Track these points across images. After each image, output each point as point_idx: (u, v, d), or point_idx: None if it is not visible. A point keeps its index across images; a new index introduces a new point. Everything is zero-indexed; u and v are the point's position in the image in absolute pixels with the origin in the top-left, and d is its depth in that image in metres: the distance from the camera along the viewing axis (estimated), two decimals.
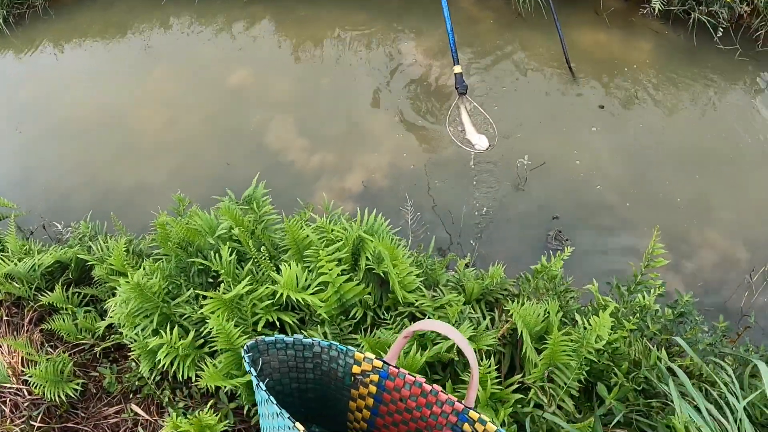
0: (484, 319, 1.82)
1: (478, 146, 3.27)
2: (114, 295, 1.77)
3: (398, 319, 1.75)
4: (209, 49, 4.32)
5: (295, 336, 1.26)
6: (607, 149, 3.36)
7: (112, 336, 1.77)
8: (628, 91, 3.66)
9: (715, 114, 3.60)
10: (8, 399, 1.76)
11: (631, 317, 1.79)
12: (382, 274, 1.76)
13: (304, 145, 3.51)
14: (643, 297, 1.87)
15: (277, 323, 1.71)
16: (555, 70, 3.76)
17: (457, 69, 3.35)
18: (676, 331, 1.99)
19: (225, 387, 1.57)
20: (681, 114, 3.59)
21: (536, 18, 3.97)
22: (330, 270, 1.63)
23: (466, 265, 2.09)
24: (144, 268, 1.74)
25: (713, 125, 3.53)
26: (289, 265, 1.66)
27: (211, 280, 1.84)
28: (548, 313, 1.72)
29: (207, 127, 3.71)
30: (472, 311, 1.85)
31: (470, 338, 1.67)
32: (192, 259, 1.81)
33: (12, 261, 2.00)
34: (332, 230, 1.78)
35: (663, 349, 1.79)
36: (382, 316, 1.79)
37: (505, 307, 1.81)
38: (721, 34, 3.89)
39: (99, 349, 1.79)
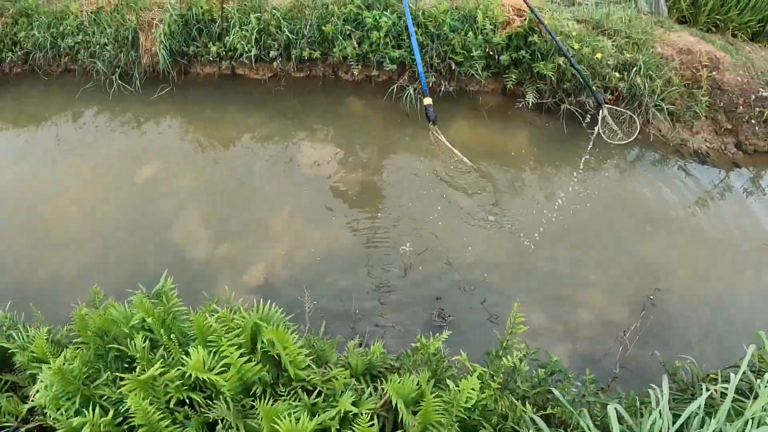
0: (368, 388, 2.14)
1: (465, 160, 3.69)
2: (35, 380, 1.98)
3: (292, 392, 2.05)
4: (120, 142, 4.59)
5: None
6: (492, 234, 3.92)
7: (36, 418, 1.95)
8: (510, 178, 4.35)
9: (589, 192, 4.33)
10: None
11: (496, 378, 2.16)
12: (276, 356, 2.08)
13: (210, 238, 3.79)
14: (508, 359, 2.25)
15: (187, 400, 1.98)
16: (441, 163, 4.40)
17: (427, 101, 3.77)
18: (554, 386, 2.36)
19: None
20: (557, 194, 4.27)
21: (421, 117, 4.67)
22: (231, 354, 1.93)
23: (360, 344, 2.46)
24: (65, 356, 1.98)
25: (589, 202, 4.22)
26: (197, 349, 1.95)
27: (126, 365, 2.08)
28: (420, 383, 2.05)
29: (118, 220, 3.91)
30: (357, 383, 2.17)
31: (353, 403, 1.97)
32: (110, 346, 2.06)
33: None
34: (232, 319, 2.12)
35: (528, 402, 2.17)
36: (279, 391, 2.07)
37: (385, 380, 2.13)
38: (589, 120, 4.73)
39: (23, 430, 1.96)
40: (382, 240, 3.81)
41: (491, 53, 4.51)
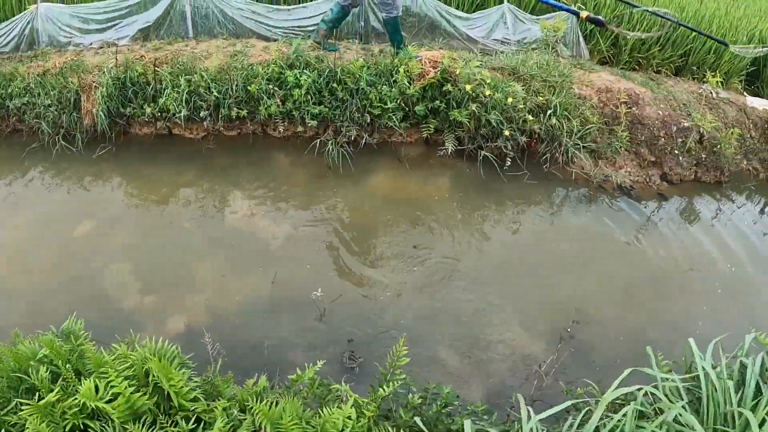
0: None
1: None
2: None
3: (176, 419, 2.20)
4: (61, 200, 4.72)
5: None
6: (411, 277, 4.01)
7: None
8: (430, 223, 4.47)
9: (511, 232, 4.45)
10: None
11: (370, 407, 2.26)
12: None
13: (139, 289, 3.88)
14: (384, 389, 2.35)
15: (82, 426, 2.12)
16: (362, 214, 4.53)
17: (584, 14, 4.00)
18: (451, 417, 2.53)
19: None
20: (477, 236, 4.39)
21: (344, 170, 4.81)
22: (119, 384, 2.10)
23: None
24: None
25: (511, 242, 4.33)
26: (89, 380, 2.11)
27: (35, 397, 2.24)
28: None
29: (53, 272, 4.01)
30: (241, 414, 2.27)
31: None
32: (20, 376, 2.24)
33: None
34: (128, 355, 2.29)
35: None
36: (160, 420, 2.20)
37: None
38: (509, 163, 4.86)
39: None
40: (300, 287, 3.90)
41: (407, 105, 4.68)
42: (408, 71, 4.64)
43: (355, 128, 4.82)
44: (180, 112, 4.95)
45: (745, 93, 6.50)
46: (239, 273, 4.04)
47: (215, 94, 4.89)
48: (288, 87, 4.79)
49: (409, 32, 5.51)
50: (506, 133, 4.63)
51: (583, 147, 5.11)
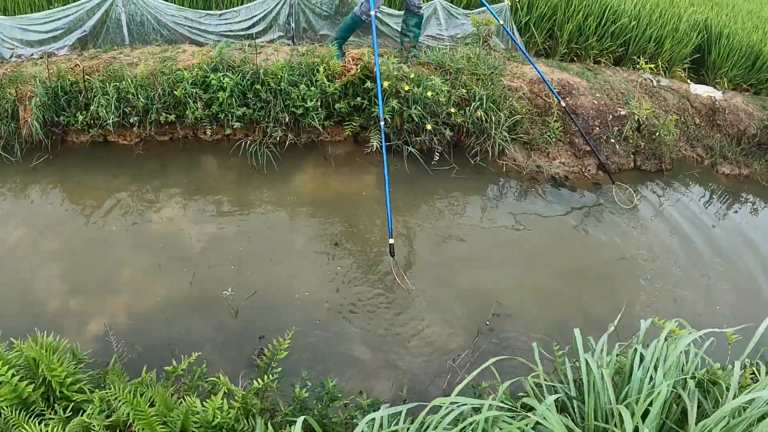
0: None
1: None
2: None
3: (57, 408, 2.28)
4: None
5: None
6: (325, 277, 3.99)
7: None
8: (351, 223, 4.44)
9: (436, 225, 4.41)
10: None
11: (238, 400, 2.31)
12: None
13: (65, 292, 3.87)
14: (258, 382, 2.42)
15: None
16: (285, 213, 4.51)
17: (391, 241, 3.91)
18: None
19: None
20: (399, 234, 4.34)
21: (270, 171, 4.80)
22: (5, 372, 2.19)
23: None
24: None
25: (431, 240, 4.29)
26: None
27: None
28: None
29: None
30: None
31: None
32: None
33: None
34: (21, 348, 2.38)
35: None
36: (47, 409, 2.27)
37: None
38: (437, 158, 4.83)
39: None
40: (218, 287, 3.87)
41: (328, 103, 4.67)
42: (329, 70, 4.63)
43: (281, 129, 4.81)
44: (109, 119, 4.96)
45: (689, 81, 6.45)
46: (162, 274, 4.03)
47: (142, 100, 4.90)
48: (213, 90, 4.79)
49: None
50: (428, 127, 4.60)
51: (515, 139, 5.09)
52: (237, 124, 4.77)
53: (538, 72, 4.86)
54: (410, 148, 4.78)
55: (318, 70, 4.58)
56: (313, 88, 4.57)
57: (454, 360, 3.50)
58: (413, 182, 4.74)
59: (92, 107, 5.05)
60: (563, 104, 4.94)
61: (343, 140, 5.04)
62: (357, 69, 4.60)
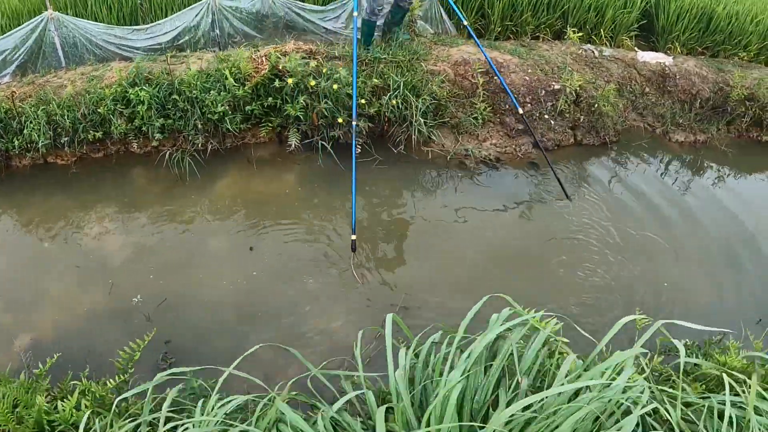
0: None
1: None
2: None
3: None
4: None
5: None
6: (237, 280, 3.97)
7: None
8: (266, 225, 4.41)
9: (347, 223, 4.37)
10: None
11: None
12: None
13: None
14: (110, 382, 2.55)
15: None
16: (204, 219, 4.49)
17: (353, 237, 3.95)
18: None
19: None
20: (314, 231, 4.30)
21: (193, 179, 4.79)
22: None
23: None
24: None
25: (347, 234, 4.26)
26: None
27: None
28: None
29: None
30: None
31: None
32: None
33: None
34: None
35: None
36: None
37: None
38: (359, 150, 4.76)
39: None
40: (135, 295, 3.90)
41: (241, 106, 4.65)
42: (237, 72, 4.61)
43: (202, 136, 4.81)
44: (40, 141, 5.04)
45: (636, 48, 6.21)
46: (86, 287, 4.07)
47: (68, 120, 4.97)
48: (133, 105, 4.83)
49: (270, 34, 5.50)
50: (340, 120, 4.53)
51: (443, 124, 4.98)
52: (158, 136, 4.79)
53: (485, 55, 4.71)
54: (322, 143, 4.72)
55: (225, 75, 4.56)
56: (222, 93, 4.55)
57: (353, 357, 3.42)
58: (332, 177, 4.68)
59: (25, 131, 5.15)
60: (504, 82, 4.81)
61: (267, 142, 5.01)
62: (265, 70, 4.57)
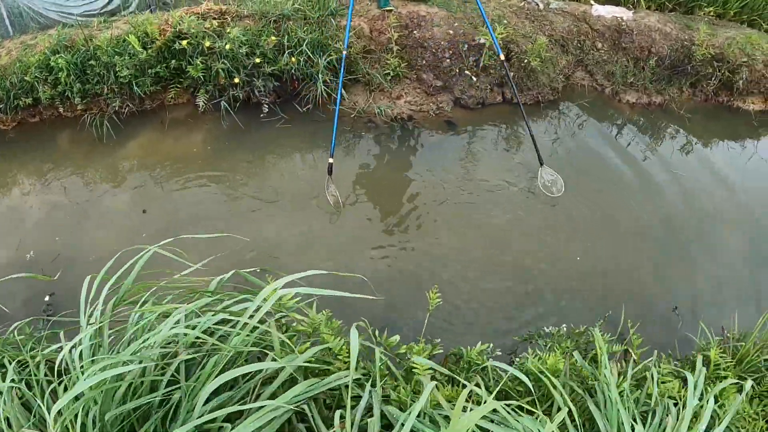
0: None
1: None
2: None
3: None
4: None
5: None
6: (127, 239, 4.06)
7: None
8: (164, 185, 4.43)
9: (238, 184, 4.32)
10: None
11: None
12: None
13: None
14: None
15: None
16: (110, 179, 4.57)
17: (330, 160, 4.03)
18: None
19: None
20: (203, 192, 4.32)
21: (110, 140, 4.84)
22: None
23: None
24: None
25: (237, 195, 4.23)
26: None
27: None
28: None
29: None
30: None
31: None
32: None
33: None
34: None
35: None
36: None
37: None
38: (267, 110, 4.71)
39: None
40: (35, 249, 4.06)
41: (146, 69, 4.66)
42: (145, 36, 4.62)
43: (119, 99, 4.88)
44: None
45: (592, 1, 5.72)
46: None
47: (1, 88, 5.17)
48: (55, 72, 4.95)
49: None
50: (236, 80, 4.46)
51: (355, 81, 4.80)
52: (79, 101, 4.90)
53: (482, 13, 4.47)
54: (223, 102, 4.67)
55: (129, 39, 4.58)
56: (125, 58, 4.58)
57: None
58: (236, 136, 4.62)
59: None
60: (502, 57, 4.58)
61: (184, 103, 5.01)
62: (170, 32, 4.55)
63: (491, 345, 2.41)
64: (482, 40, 4.84)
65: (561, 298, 3.53)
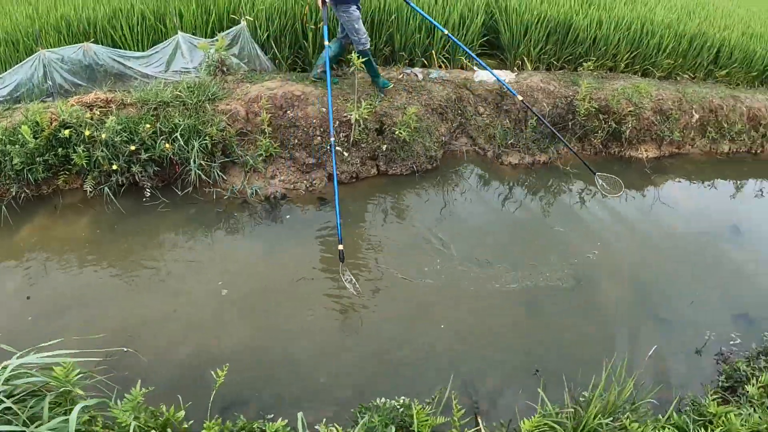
0: None
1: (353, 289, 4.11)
2: None
3: None
4: None
5: None
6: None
7: None
8: (48, 268, 4.69)
9: (111, 269, 4.56)
10: None
11: None
12: None
13: None
14: None
15: None
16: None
17: (340, 246, 4.16)
18: None
19: None
20: (80, 281, 4.55)
21: (5, 226, 5.18)
22: None
23: None
24: None
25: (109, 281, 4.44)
26: None
27: None
28: None
29: None
30: None
31: None
32: None
33: None
34: None
35: None
36: None
37: None
38: (149, 194, 4.96)
39: None
40: None
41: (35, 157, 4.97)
42: (34, 126, 4.94)
43: (15, 185, 5.18)
44: None
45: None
46: None
47: None
48: None
49: (100, 83, 5.79)
50: (114, 167, 4.73)
51: (234, 162, 5.04)
52: None
53: (494, 75, 4.81)
54: (105, 188, 4.93)
55: (20, 130, 4.90)
56: (17, 146, 4.90)
57: None
58: (120, 222, 4.86)
59: None
60: (520, 98, 5.16)
61: (77, 188, 5.28)
62: (56, 122, 4.86)
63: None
64: (352, 115, 5.06)
65: (424, 368, 3.65)
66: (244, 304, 4.08)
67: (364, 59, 4.95)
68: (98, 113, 4.90)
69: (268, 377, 3.58)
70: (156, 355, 3.75)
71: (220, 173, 4.99)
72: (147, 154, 4.84)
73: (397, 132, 5.06)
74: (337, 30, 5.19)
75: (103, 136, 4.67)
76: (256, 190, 4.94)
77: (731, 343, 4.23)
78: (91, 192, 5.00)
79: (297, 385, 3.59)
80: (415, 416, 2.62)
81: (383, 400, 2.95)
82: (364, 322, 3.97)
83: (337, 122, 5.09)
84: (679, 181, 5.94)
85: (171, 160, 4.95)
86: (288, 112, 5.10)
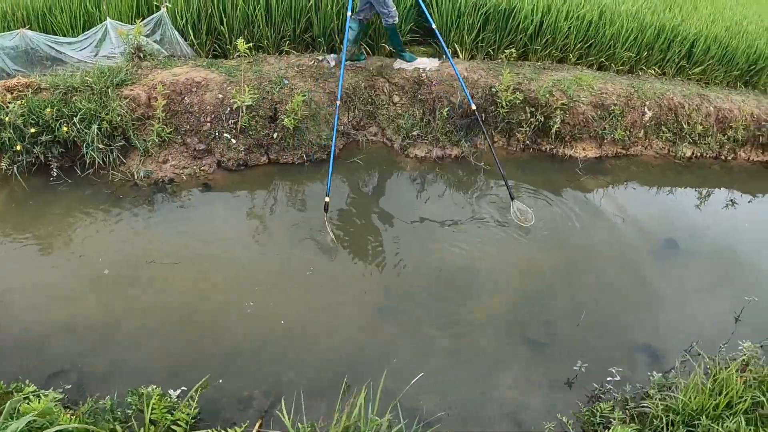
0: None
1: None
2: None
3: None
4: None
5: None
6: None
7: None
8: None
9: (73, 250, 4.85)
10: None
11: None
12: None
13: None
14: None
15: None
16: None
17: (327, 199, 4.43)
18: None
19: None
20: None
21: None
22: None
23: None
24: None
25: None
26: None
27: None
28: None
29: None
30: None
31: None
32: None
33: None
34: None
35: None
36: None
37: None
38: (55, 174, 5.20)
39: None
40: None
41: None
42: None
43: None
44: None
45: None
46: None
47: None
48: None
49: (40, 69, 6.08)
50: (18, 148, 4.99)
51: (133, 146, 5.15)
52: None
53: (454, 68, 4.89)
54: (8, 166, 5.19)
55: None
56: None
57: None
58: (25, 200, 5.13)
59: None
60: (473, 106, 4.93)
61: None
62: None
63: None
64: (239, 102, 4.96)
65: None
66: (108, 281, 4.14)
67: (390, 32, 5.18)
68: (13, 97, 5.18)
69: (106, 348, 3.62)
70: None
71: (119, 156, 5.09)
72: (48, 137, 5.05)
73: (285, 120, 4.91)
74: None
75: (7, 119, 4.93)
76: (147, 174, 5.01)
77: (608, 379, 3.65)
78: (8, 170, 5.31)
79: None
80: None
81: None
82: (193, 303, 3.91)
83: (228, 109, 5.03)
84: (618, 186, 5.26)
85: (75, 143, 5.14)
86: (185, 98, 5.11)
